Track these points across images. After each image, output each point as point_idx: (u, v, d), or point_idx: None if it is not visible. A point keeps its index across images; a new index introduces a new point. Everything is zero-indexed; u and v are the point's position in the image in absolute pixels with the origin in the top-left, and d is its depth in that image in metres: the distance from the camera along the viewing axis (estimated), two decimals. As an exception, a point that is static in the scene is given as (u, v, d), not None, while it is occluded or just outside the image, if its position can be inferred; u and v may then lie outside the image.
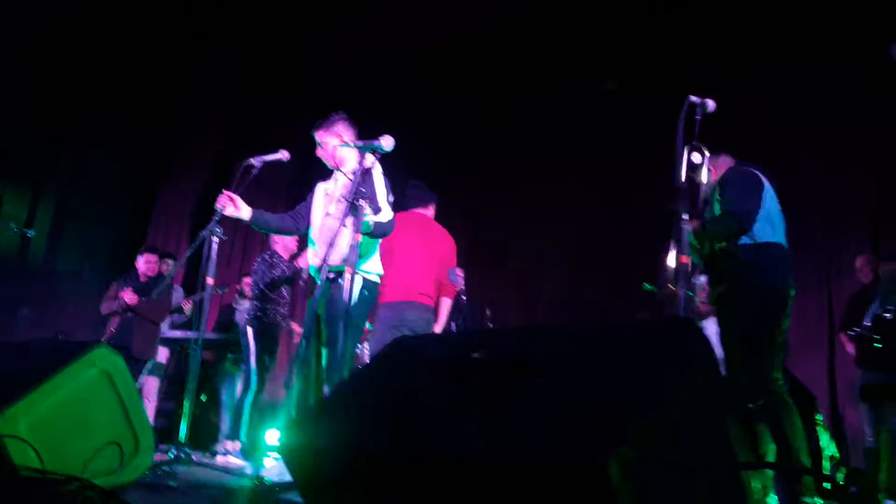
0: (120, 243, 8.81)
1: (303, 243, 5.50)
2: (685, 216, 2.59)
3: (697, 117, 2.73)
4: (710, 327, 5.04)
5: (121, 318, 5.84)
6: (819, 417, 4.75)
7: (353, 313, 2.88)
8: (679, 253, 2.52)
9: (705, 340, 1.17)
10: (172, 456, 3.29)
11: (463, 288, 4.56)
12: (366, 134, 3.24)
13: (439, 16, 6.77)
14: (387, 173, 3.37)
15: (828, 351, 6.45)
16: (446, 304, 4.44)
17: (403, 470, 1.12)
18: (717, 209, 3.12)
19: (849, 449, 6.12)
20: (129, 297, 5.77)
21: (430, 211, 4.58)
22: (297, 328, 6.02)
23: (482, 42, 7.13)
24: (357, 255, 2.83)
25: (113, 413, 2.16)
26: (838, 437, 6.01)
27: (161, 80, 8.53)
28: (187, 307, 6.72)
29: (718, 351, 4.98)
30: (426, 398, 1.24)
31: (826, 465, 4.60)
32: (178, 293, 6.88)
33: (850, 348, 5.45)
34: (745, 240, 3.11)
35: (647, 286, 4.51)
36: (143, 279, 5.99)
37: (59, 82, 8.15)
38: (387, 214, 3.17)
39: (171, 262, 6.82)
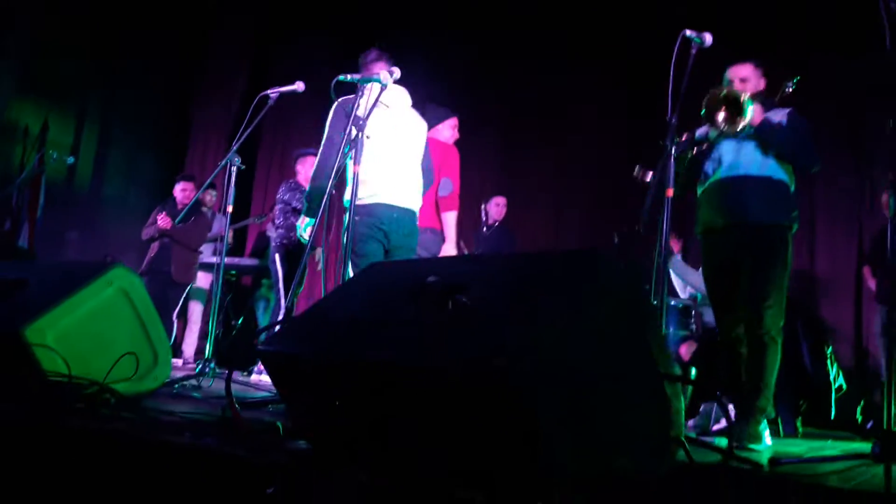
0: (162, 170, 9.12)
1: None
2: (673, 150, 2.63)
3: (693, 51, 2.72)
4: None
5: (159, 243, 6.12)
6: (829, 350, 4.82)
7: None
8: (665, 186, 2.58)
9: (612, 267, 1.28)
10: (198, 371, 3.56)
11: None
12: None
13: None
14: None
15: (855, 287, 6.41)
16: (448, 220, 4.24)
17: (354, 372, 1.29)
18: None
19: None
20: (163, 221, 6.02)
21: (435, 132, 4.42)
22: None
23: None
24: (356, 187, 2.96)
25: (132, 327, 2.37)
26: (862, 371, 6.05)
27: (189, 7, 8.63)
28: (229, 236, 6.96)
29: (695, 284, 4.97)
30: (382, 314, 1.39)
31: (833, 396, 4.69)
32: (220, 221, 7.09)
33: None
34: (782, 174, 3.09)
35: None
36: (180, 206, 6.22)
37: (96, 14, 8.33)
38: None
39: (212, 192, 7.06)
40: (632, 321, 1.32)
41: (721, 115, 2.92)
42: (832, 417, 4.59)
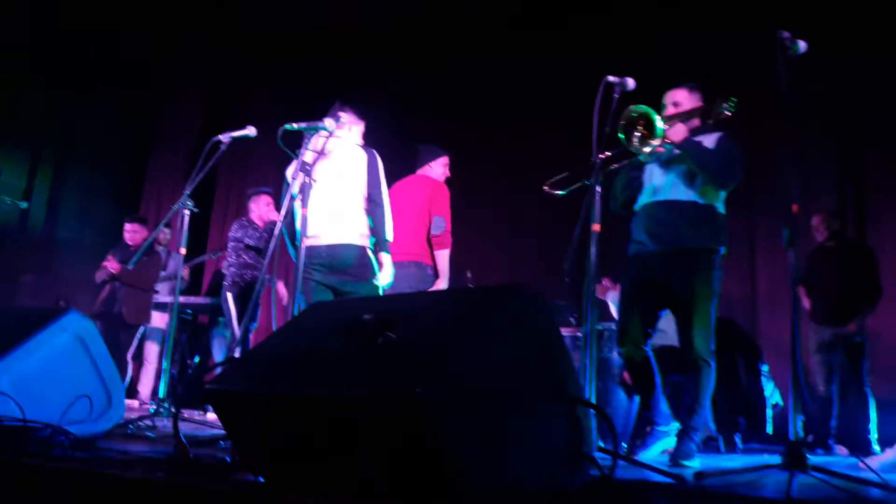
0: (118, 212, 9.10)
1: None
2: (598, 189, 2.82)
3: (615, 96, 2.91)
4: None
5: (111, 286, 6.11)
6: (765, 368, 5.07)
7: None
8: (592, 222, 2.76)
9: (525, 300, 1.45)
10: (153, 411, 3.62)
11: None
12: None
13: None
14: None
15: (792, 305, 6.68)
16: (440, 258, 4.47)
17: (289, 405, 1.42)
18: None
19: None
20: (111, 265, 6.03)
21: (427, 170, 4.72)
22: (282, 288, 6.21)
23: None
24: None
25: (85, 371, 2.46)
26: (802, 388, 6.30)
27: (145, 52, 8.71)
28: (185, 273, 7.00)
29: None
30: (319, 350, 1.53)
31: (769, 412, 4.92)
32: (176, 259, 7.09)
33: (807, 303, 5.74)
34: (709, 199, 3.22)
35: None
36: (132, 248, 6.23)
37: (53, 53, 8.36)
38: None
39: (167, 230, 7.11)
40: (542, 349, 1.47)
41: (637, 135, 3.10)
42: (769, 433, 4.81)
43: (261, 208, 5.83)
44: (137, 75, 8.92)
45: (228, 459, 1.86)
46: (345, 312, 1.66)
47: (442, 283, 4.43)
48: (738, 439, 4.74)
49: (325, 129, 3.20)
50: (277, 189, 6.78)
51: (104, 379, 2.52)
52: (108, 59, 8.73)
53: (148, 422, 3.54)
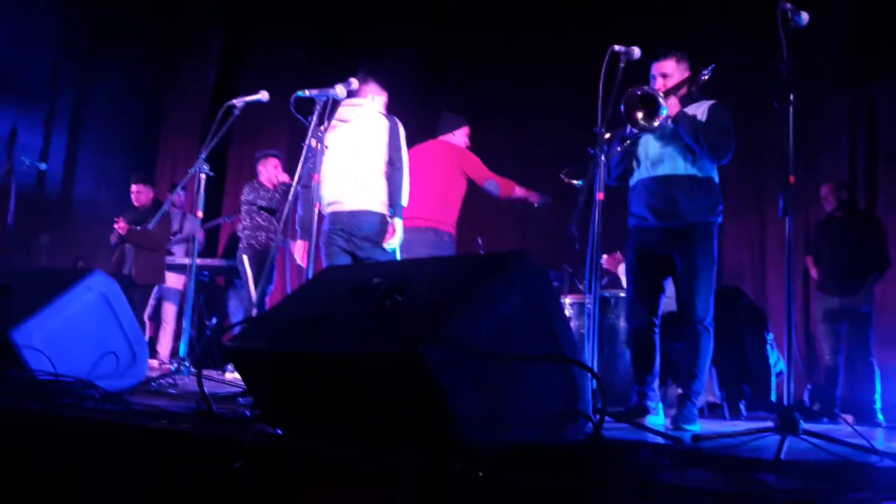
0: (133, 172, 9.22)
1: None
2: (602, 158, 2.88)
3: (621, 65, 2.96)
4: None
5: (121, 247, 6.25)
6: (769, 337, 5.14)
7: None
8: (596, 190, 2.82)
9: (524, 266, 1.54)
10: (174, 370, 3.76)
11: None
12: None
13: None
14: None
15: (803, 276, 6.73)
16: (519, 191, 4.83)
17: (302, 361, 1.53)
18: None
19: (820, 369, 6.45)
20: (119, 226, 6.15)
21: (450, 137, 4.80)
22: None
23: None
24: None
25: (111, 328, 2.59)
26: (811, 357, 6.39)
27: (160, 11, 8.73)
28: (201, 236, 7.12)
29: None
30: (330, 311, 1.63)
31: (773, 380, 5.01)
32: (192, 221, 7.20)
33: (814, 272, 5.79)
34: (706, 171, 3.30)
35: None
36: (139, 208, 6.35)
37: (67, 12, 8.41)
38: None
39: (181, 192, 7.22)
40: (538, 312, 1.57)
41: (639, 114, 3.14)
42: (773, 400, 4.91)
43: (269, 170, 5.96)
44: (152, 35, 8.96)
45: (248, 413, 1.98)
46: (356, 276, 1.75)
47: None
48: (742, 406, 4.83)
49: (335, 96, 3.27)
50: (291, 152, 6.87)
51: (128, 336, 2.65)
52: (122, 18, 8.77)
53: (169, 380, 3.69)
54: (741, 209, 6.60)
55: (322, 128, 3.21)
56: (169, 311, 7.14)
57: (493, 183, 4.68)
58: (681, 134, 3.23)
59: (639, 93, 3.09)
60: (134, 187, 6.47)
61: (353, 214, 3.71)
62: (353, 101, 3.82)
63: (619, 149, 3.30)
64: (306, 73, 8.68)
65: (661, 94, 3.12)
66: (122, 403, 2.08)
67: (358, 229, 3.72)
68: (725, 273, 6.61)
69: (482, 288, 1.45)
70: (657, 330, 3.37)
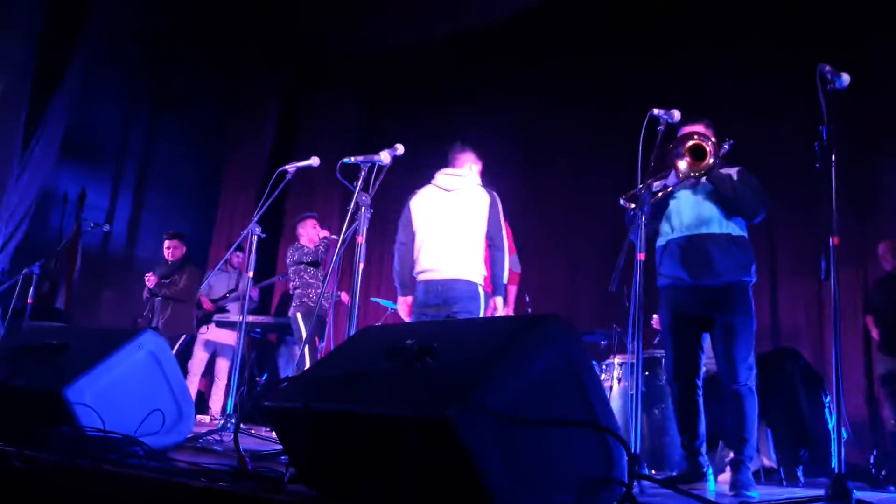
0: (194, 232, 9.57)
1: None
2: (642, 218, 2.88)
3: (660, 128, 2.99)
4: None
5: (151, 301, 6.53)
6: (827, 399, 4.94)
7: None
8: (637, 251, 2.82)
9: (565, 330, 1.55)
10: (220, 426, 3.83)
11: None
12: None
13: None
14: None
15: (863, 337, 6.49)
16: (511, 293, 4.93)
17: (338, 421, 1.55)
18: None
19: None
20: (148, 280, 6.50)
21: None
22: (345, 296, 6.44)
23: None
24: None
25: (159, 386, 2.67)
26: (875, 420, 6.11)
27: (220, 78, 9.17)
28: (254, 294, 7.33)
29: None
30: (365, 371, 1.66)
31: (833, 444, 4.79)
32: (246, 281, 7.42)
33: (875, 333, 5.58)
34: (740, 230, 3.31)
35: None
36: (171, 263, 6.69)
37: (133, 76, 8.92)
38: None
39: (239, 253, 7.46)
40: (571, 376, 1.57)
41: (684, 164, 3.17)
42: (833, 466, 4.66)
43: (308, 231, 6.19)
44: (213, 99, 9.41)
45: (285, 472, 2.00)
46: (392, 336, 1.79)
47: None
48: (800, 472, 4.63)
49: (380, 162, 3.39)
50: (343, 212, 7.05)
51: (175, 394, 2.72)
52: (185, 81, 9.26)
53: (216, 436, 3.76)
54: (797, 269, 6.45)
55: (366, 193, 3.33)
56: (222, 366, 7.28)
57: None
58: (719, 191, 3.24)
59: (692, 144, 3.11)
60: (167, 243, 6.80)
61: (450, 282, 3.78)
62: (453, 170, 4.00)
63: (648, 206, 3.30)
64: (359, 136, 8.99)
65: (712, 147, 3.13)
66: (165, 460, 2.13)
67: (454, 296, 3.77)
68: (781, 334, 6.44)
69: (513, 352, 1.47)
70: (699, 391, 3.30)
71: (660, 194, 3.30)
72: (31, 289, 6.32)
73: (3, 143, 6.72)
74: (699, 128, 3.37)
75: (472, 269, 3.83)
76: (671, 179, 3.34)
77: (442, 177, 3.94)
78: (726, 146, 3.34)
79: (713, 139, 3.27)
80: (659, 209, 3.39)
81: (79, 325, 7.30)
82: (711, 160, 3.14)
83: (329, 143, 8.61)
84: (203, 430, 3.84)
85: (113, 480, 1.90)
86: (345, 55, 8.29)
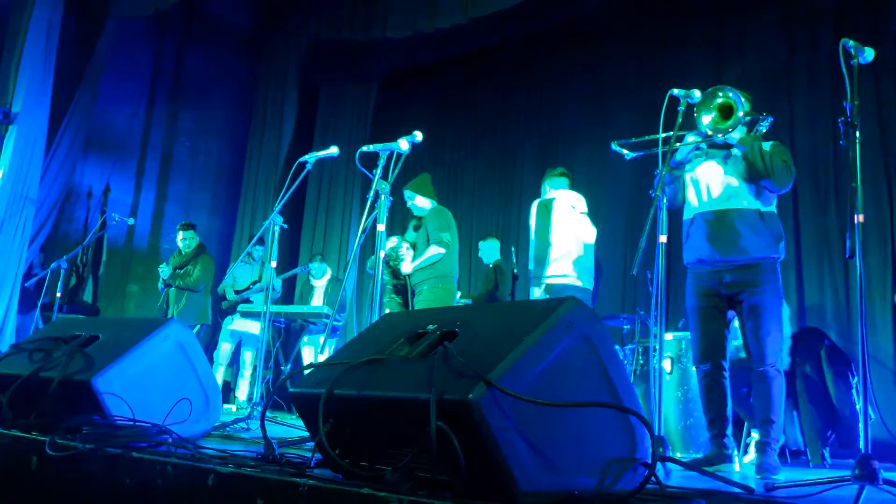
0: (216, 225, 9.69)
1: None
2: (665, 201, 2.86)
3: (681, 108, 2.95)
4: None
5: (165, 291, 6.69)
6: (854, 380, 4.88)
7: None
8: (658, 234, 2.80)
9: (585, 312, 1.55)
10: (246, 414, 3.88)
11: None
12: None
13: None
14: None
15: (893, 318, 6.38)
16: None
17: (358, 406, 1.57)
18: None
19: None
20: (161, 270, 6.64)
21: None
22: None
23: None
24: None
25: (186, 375, 2.71)
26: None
27: (239, 72, 9.23)
28: (278, 284, 7.41)
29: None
30: (387, 356, 1.68)
31: (861, 426, 4.72)
32: (269, 271, 7.50)
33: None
34: (769, 205, 3.24)
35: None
36: (184, 254, 6.81)
37: (153, 73, 9.02)
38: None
39: (259, 246, 7.53)
40: (593, 357, 1.57)
41: (709, 118, 3.08)
42: (861, 447, 4.62)
43: None
44: (232, 92, 9.48)
45: (311, 458, 2.02)
46: (413, 322, 1.80)
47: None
48: (826, 454, 4.59)
49: (398, 149, 3.39)
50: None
51: (203, 384, 2.76)
52: (202, 80, 9.34)
53: (243, 424, 3.81)
54: (822, 249, 6.36)
55: (386, 181, 3.34)
56: (247, 356, 7.37)
57: None
58: (749, 159, 3.16)
59: (721, 101, 3.04)
60: (180, 234, 6.91)
61: None
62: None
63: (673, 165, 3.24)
64: (377, 125, 9.01)
65: (742, 104, 3.04)
66: (193, 447, 2.17)
67: None
68: (808, 315, 6.36)
69: (533, 335, 1.47)
70: (726, 373, 3.27)
71: (679, 149, 3.20)
72: (59, 282, 6.43)
73: (29, 142, 6.83)
74: (729, 89, 3.26)
75: None
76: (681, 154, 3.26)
77: None
78: (764, 123, 3.24)
79: (745, 103, 3.16)
80: (678, 169, 3.30)
81: (106, 317, 7.44)
82: (740, 118, 3.01)
83: (348, 133, 8.64)
84: (229, 419, 3.90)
85: (143, 467, 1.94)
86: (360, 44, 8.28)
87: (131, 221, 7.30)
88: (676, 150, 3.20)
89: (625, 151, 3.44)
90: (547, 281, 4.54)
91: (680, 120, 2.89)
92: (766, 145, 3.25)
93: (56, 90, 7.13)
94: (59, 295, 6.69)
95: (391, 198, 3.36)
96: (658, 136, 2.95)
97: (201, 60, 9.53)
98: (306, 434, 3.08)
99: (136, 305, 8.94)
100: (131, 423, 2.41)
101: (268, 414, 3.99)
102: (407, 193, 5.08)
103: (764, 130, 3.27)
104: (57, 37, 7.06)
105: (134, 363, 2.53)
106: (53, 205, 7.36)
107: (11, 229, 6.60)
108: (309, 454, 1.92)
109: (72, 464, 2.09)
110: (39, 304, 6.63)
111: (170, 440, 2.32)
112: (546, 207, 4.68)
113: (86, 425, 2.33)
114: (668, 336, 4.51)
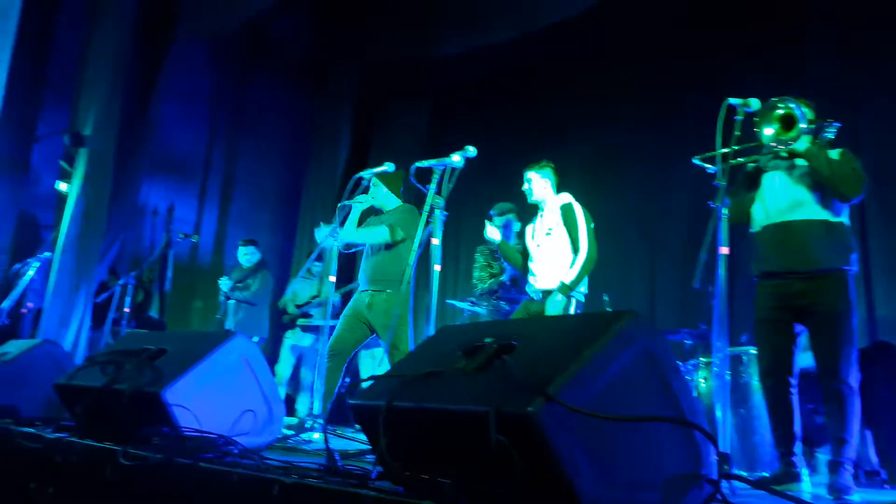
0: (277, 242, 9.92)
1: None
2: (724, 211, 2.80)
3: (738, 118, 2.88)
4: None
5: (225, 304, 6.86)
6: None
7: None
8: (719, 245, 2.74)
9: (644, 326, 1.53)
10: (308, 426, 3.95)
11: None
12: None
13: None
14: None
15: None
16: None
17: (417, 418, 1.59)
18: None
19: None
20: (222, 284, 6.87)
21: None
22: None
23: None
24: None
25: (251, 388, 2.78)
26: None
27: (295, 97, 9.46)
28: (336, 300, 7.53)
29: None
30: (445, 369, 1.69)
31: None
32: (328, 287, 7.65)
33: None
34: (839, 216, 3.14)
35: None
36: (245, 269, 7.05)
37: (215, 99, 9.32)
38: None
39: (317, 262, 7.68)
40: (653, 371, 1.55)
41: (770, 130, 3.01)
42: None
43: None
44: (289, 113, 9.71)
45: (372, 469, 2.05)
46: (471, 335, 1.81)
47: None
48: (905, 473, 4.39)
49: (453, 163, 3.42)
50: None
51: (266, 395, 2.83)
52: (261, 103, 9.60)
53: (304, 436, 3.88)
54: (893, 261, 6.13)
55: (440, 195, 3.37)
56: (307, 370, 7.48)
57: None
58: (813, 166, 3.06)
59: (783, 112, 2.97)
60: (241, 249, 7.08)
61: None
62: None
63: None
64: (429, 141, 9.10)
65: (804, 114, 2.97)
66: (258, 458, 2.22)
67: None
68: (878, 328, 6.12)
69: (593, 347, 1.47)
70: (793, 389, 3.16)
71: (743, 171, 3.14)
72: (128, 298, 6.67)
73: (98, 164, 7.11)
74: (790, 99, 3.17)
75: None
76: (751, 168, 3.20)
77: None
78: (830, 130, 3.15)
79: (807, 112, 3.07)
80: (744, 187, 3.23)
81: (173, 331, 7.69)
82: (802, 129, 2.93)
83: (402, 149, 8.75)
84: (291, 431, 3.97)
85: (210, 477, 2.00)
86: (414, 62, 8.39)
87: (196, 238, 7.54)
88: (742, 166, 3.16)
89: (706, 165, 3.39)
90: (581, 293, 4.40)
91: (738, 132, 2.84)
92: (834, 153, 3.15)
93: (123, 114, 7.43)
94: (127, 311, 6.93)
95: (446, 212, 3.39)
96: (730, 148, 2.89)
97: (259, 84, 9.80)
98: (366, 447, 3.11)
99: (200, 321, 9.19)
100: (198, 433, 2.49)
101: (328, 428, 4.05)
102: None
103: (832, 137, 3.16)
104: (123, 63, 7.36)
105: (201, 375, 2.61)
106: (121, 223, 7.64)
107: (83, 247, 6.87)
108: (370, 466, 1.95)
109: (143, 473, 2.17)
110: (110, 319, 6.88)
111: (236, 451, 2.38)
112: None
113: (156, 436, 2.41)
114: (732, 351, 4.41)
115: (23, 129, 7.68)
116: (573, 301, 4.20)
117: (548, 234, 4.28)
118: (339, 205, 3.96)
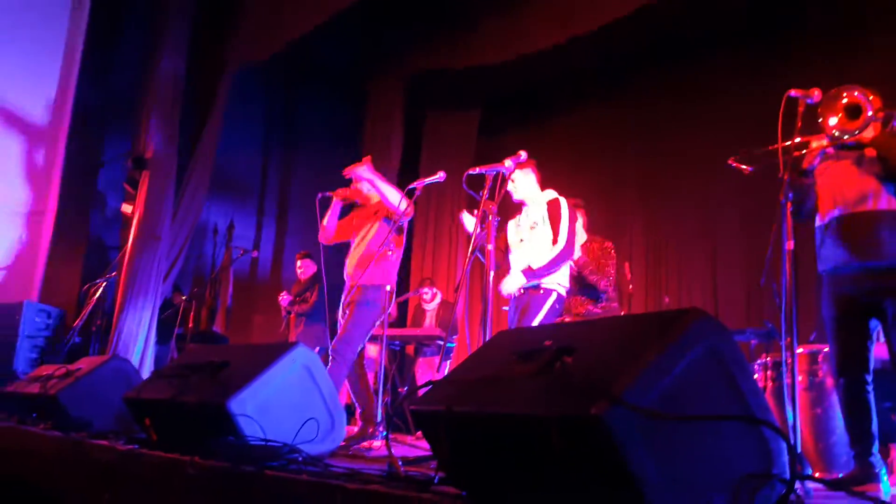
0: (332, 255, 10.04)
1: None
2: (792, 207, 2.70)
3: (800, 110, 2.79)
4: None
5: (285, 318, 7.05)
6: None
7: None
8: (784, 240, 2.65)
9: (704, 324, 1.49)
10: (369, 434, 3.98)
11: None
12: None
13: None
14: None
15: None
16: None
17: (478, 423, 1.58)
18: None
19: None
20: (282, 299, 7.05)
21: None
22: None
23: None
24: None
25: (313, 397, 2.81)
26: None
27: (345, 113, 9.62)
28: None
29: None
30: (505, 373, 1.68)
31: None
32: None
33: None
34: None
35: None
36: (303, 282, 7.18)
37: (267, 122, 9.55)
38: None
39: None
40: (720, 370, 1.50)
41: (834, 120, 2.91)
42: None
43: None
44: (339, 133, 9.87)
45: (435, 475, 2.05)
46: (529, 338, 1.80)
47: None
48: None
49: (504, 170, 3.42)
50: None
51: (328, 404, 2.86)
52: (313, 121, 9.80)
53: (365, 444, 3.91)
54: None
55: (493, 201, 3.38)
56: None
57: None
58: (882, 154, 2.93)
59: (846, 100, 2.85)
60: (298, 262, 7.24)
61: None
62: None
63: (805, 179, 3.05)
64: (479, 148, 9.13)
65: (870, 103, 2.85)
66: (321, 465, 2.24)
67: None
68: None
69: (656, 347, 1.43)
70: (869, 387, 3.04)
71: (806, 161, 3.02)
72: (192, 314, 6.86)
73: (160, 185, 7.35)
74: (855, 87, 3.06)
75: None
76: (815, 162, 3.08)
77: None
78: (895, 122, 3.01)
79: (874, 101, 2.94)
80: (806, 180, 3.12)
81: (235, 344, 7.86)
82: (869, 117, 2.81)
83: (452, 159, 8.78)
84: (353, 439, 4.01)
85: (276, 484, 2.03)
86: (460, 72, 8.42)
87: (256, 254, 7.72)
88: (803, 156, 3.03)
89: (743, 167, 3.29)
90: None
91: (800, 124, 2.74)
92: None
93: (183, 137, 7.67)
94: (191, 326, 7.12)
95: (498, 218, 3.39)
96: (778, 144, 2.81)
97: (309, 101, 10.00)
98: (430, 454, 3.12)
99: (262, 334, 9.38)
100: (263, 442, 2.53)
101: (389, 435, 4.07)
102: None
103: None
104: (182, 87, 7.61)
105: (264, 386, 2.66)
106: (184, 242, 7.86)
107: (148, 266, 7.10)
108: (432, 472, 1.95)
109: (211, 481, 2.21)
110: (175, 334, 7.08)
111: (300, 458, 2.41)
112: None
113: (222, 445, 2.46)
114: (801, 350, 4.26)
115: (89, 154, 8.01)
116: (554, 294, 4.12)
117: (532, 228, 4.19)
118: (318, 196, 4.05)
